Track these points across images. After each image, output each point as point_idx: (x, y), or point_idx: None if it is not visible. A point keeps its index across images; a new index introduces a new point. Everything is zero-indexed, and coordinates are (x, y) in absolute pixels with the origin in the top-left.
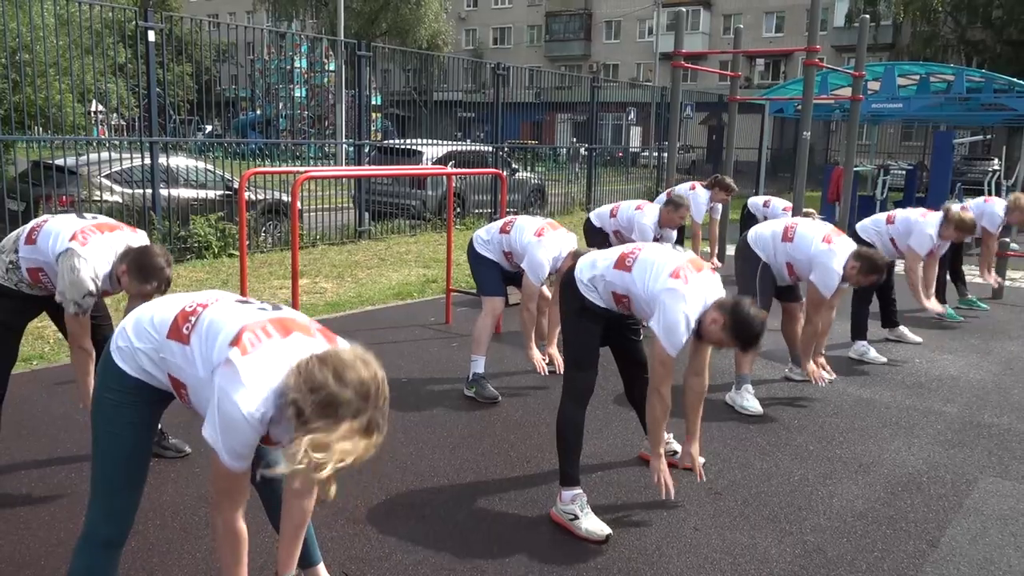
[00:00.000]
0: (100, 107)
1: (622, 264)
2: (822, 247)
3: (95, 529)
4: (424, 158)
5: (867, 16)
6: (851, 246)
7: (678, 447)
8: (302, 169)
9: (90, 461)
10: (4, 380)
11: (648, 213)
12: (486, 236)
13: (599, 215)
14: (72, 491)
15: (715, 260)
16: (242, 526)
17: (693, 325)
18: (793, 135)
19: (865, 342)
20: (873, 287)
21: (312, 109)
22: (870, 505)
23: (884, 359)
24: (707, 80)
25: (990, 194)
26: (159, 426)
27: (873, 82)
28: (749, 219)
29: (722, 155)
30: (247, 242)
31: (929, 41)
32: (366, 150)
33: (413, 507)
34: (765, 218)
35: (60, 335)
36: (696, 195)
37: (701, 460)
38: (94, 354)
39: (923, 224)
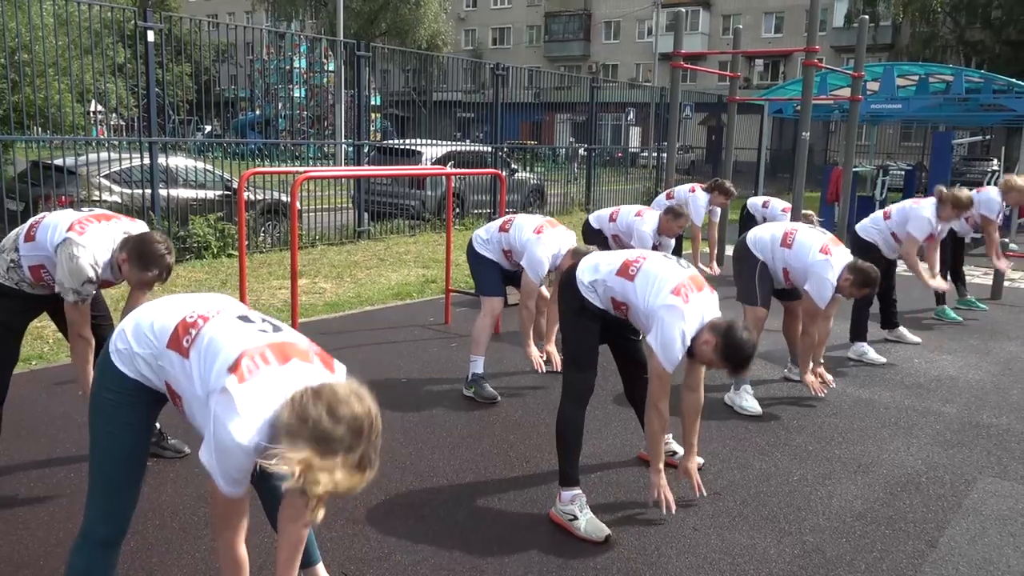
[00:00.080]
0: (99, 107)
1: (625, 272)
2: (819, 257)
3: (93, 528)
4: (423, 158)
5: (866, 17)
6: (847, 258)
7: (678, 448)
8: (301, 169)
9: (88, 461)
10: (5, 381)
11: (648, 220)
12: (485, 235)
13: (598, 218)
14: (71, 491)
15: (714, 264)
16: (242, 552)
17: (688, 342)
18: (792, 135)
19: (864, 343)
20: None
21: (311, 109)
22: (869, 505)
23: (883, 359)
24: (706, 80)
25: None
26: (159, 427)
27: (872, 82)
28: (748, 220)
29: (721, 155)
30: (246, 242)
31: (928, 42)
32: (365, 150)
33: (412, 507)
34: (764, 219)
35: (59, 335)
36: (696, 198)
37: (700, 460)
38: (94, 343)
39: (918, 209)
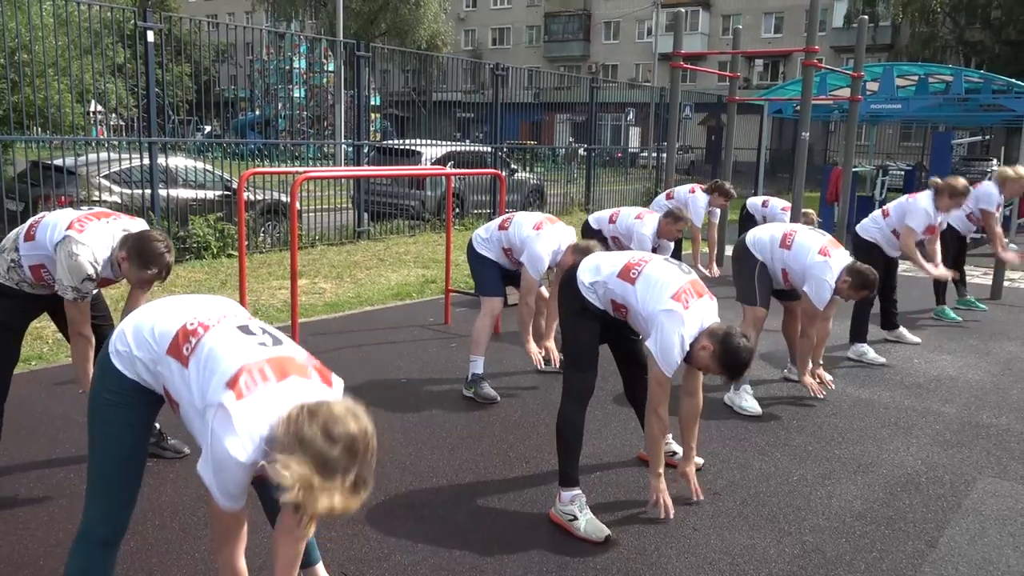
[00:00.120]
0: (99, 107)
1: (626, 275)
2: (818, 259)
3: (92, 528)
4: (423, 158)
5: (866, 17)
6: (846, 260)
7: (677, 448)
8: (301, 169)
9: (88, 461)
10: (6, 381)
11: (648, 223)
12: (485, 234)
13: (598, 219)
14: (71, 491)
15: (713, 265)
16: (242, 565)
17: (687, 348)
18: (792, 136)
19: (864, 343)
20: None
21: (311, 109)
22: (869, 505)
23: (883, 359)
24: (706, 80)
25: None
26: (158, 427)
27: (872, 83)
28: (748, 220)
29: (721, 156)
30: (246, 242)
31: (928, 42)
32: (365, 150)
33: (412, 507)
34: (764, 218)
35: (59, 335)
36: (695, 199)
37: (700, 460)
38: (94, 341)
39: (915, 201)
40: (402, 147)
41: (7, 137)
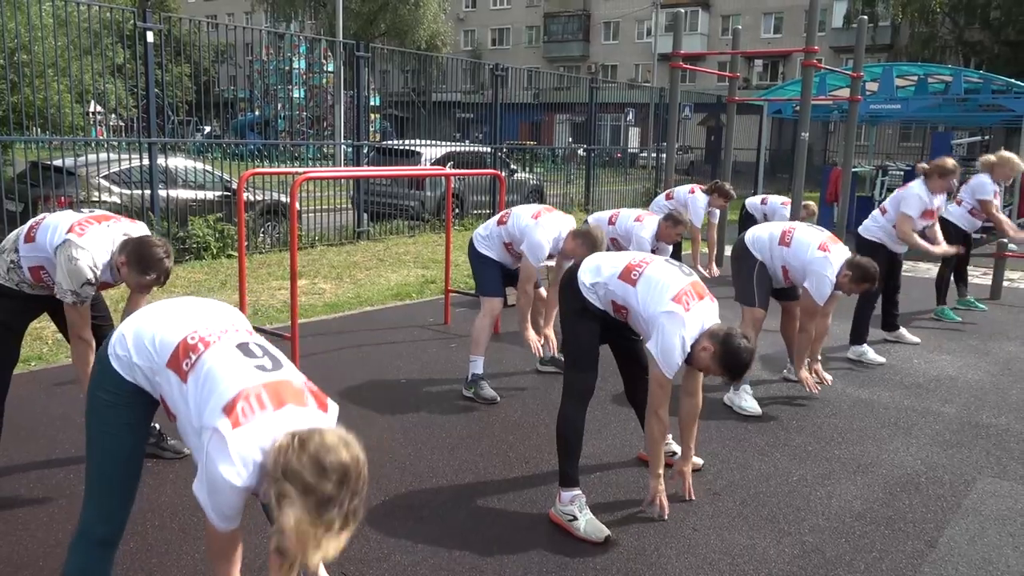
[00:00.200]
0: (99, 108)
1: (627, 276)
2: (818, 255)
3: (91, 528)
4: (423, 159)
5: (865, 17)
6: (846, 254)
7: (677, 448)
8: (301, 170)
9: (86, 461)
10: (5, 381)
11: (647, 226)
12: (484, 232)
13: (597, 220)
14: (70, 492)
15: (713, 265)
16: None
17: (688, 349)
18: (792, 136)
19: (864, 344)
20: (877, 292)
21: (311, 110)
22: (868, 505)
23: (882, 360)
24: (706, 81)
25: None
26: (158, 428)
27: (871, 83)
28: (748, 219)
29: (720, 156)
30: (246, 243)
31: (927, 42)
32: (365, 151)
33: (412, 508)
34: (764, 216)
35: (59, 335)
36: (695, 199)
37: (699, 461)
38: (94, 344)
39: (906, 189)
40: (402, 147)
41: (7, 138)
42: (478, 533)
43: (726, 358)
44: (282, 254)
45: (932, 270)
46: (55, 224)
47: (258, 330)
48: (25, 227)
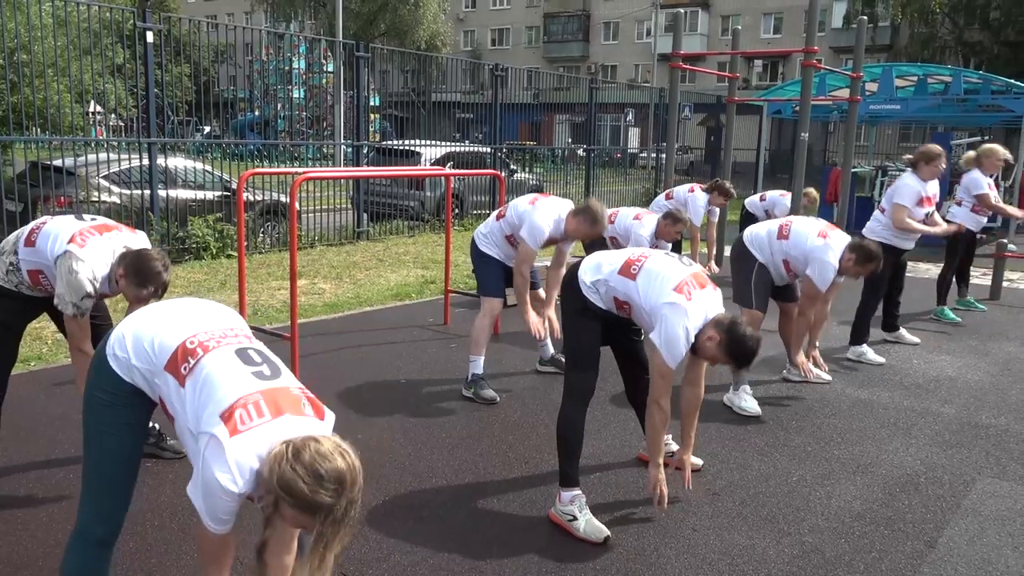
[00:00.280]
0: (98, 108)
1: (627, 271)
2: (818, 242)
3: (89, 528)
4: (422, 159)
5: (865, 17)
6: (846, 239)
7: (676, 448)
8: (300, 170)
9: (84, 461)
10: (4, 381)
11: (646, 224)
12: (486, 230)
13: None
14: (70, 492)
15: (712, 264)
16: None
17: (692, 339)
18: (791, 136)
19: (864, 345)
20: (883, 289)
21: (310, 110)
22: (868, 506)
23: (882, 360)
24: (705, 81)
25: None
26: (157, 428)
27: (871, 83)
28: (748, 219)
29: (720, 156)
30: (245, 243)
31: (927, 42)
32: (364, 151)
33: (411, 508)
34: (766, 212)
35: (59, 335)
36: (695, 198)
37: (699, 461)
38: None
39: (898, 182)
40: (401, 148)
41: (6, 138)
42: (478, 533)
43: (732, 346)
44: (282, 254)
45: (932, 270)
46: (56, 232)
47: (258, 330)
48: (26, 230)
